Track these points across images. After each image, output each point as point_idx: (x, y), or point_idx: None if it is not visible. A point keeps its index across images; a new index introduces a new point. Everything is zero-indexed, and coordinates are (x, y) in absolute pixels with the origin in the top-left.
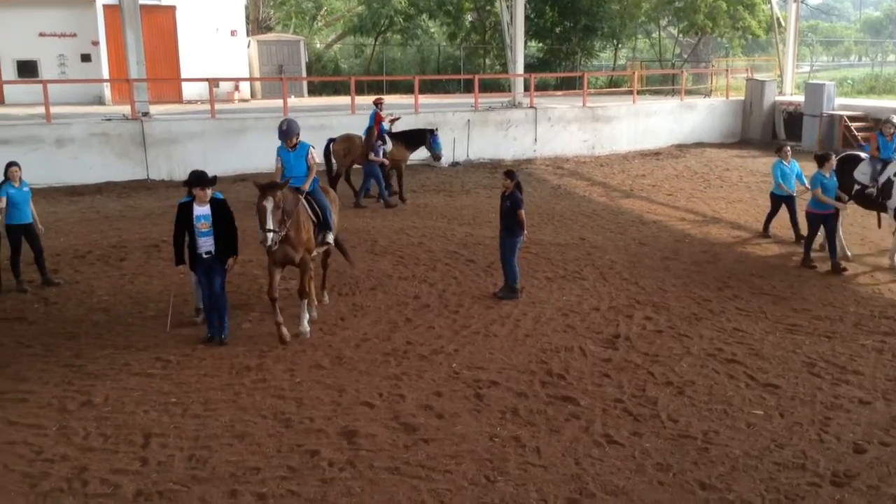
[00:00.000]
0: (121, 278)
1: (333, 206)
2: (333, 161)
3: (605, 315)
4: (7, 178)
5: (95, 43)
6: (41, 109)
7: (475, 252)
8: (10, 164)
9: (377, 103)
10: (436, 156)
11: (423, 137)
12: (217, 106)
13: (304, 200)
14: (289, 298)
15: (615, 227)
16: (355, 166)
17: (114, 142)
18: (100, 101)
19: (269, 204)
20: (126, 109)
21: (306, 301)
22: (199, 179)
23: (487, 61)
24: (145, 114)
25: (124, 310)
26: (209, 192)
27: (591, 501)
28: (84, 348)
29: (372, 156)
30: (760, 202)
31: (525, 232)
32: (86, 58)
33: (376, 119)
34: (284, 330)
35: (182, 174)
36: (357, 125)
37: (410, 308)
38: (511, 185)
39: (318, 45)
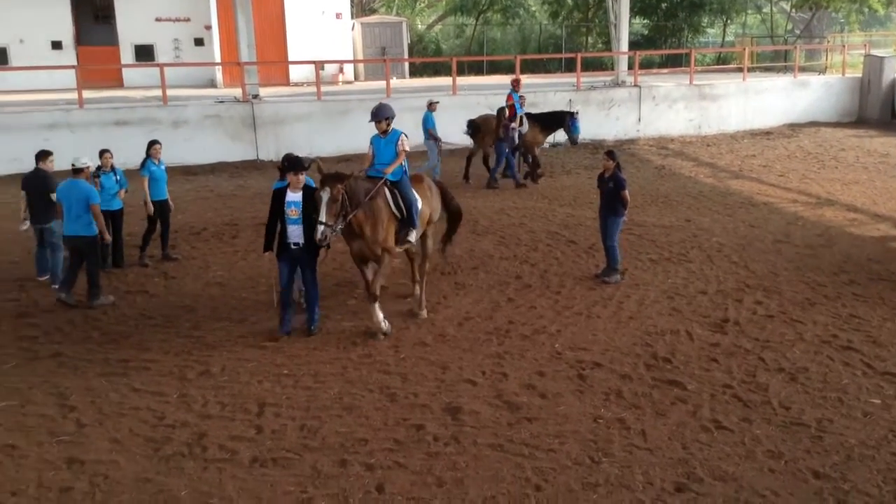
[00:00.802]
0: (234, 254)
1: (427, 198)
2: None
3: (712, 299)
4: (149, 156)
5: (208, 27)
6: (158, 92)
7: (576, 233)
8: (154, 142)
9: (514, 84)
10: (573, 139)
11: (561, 120)
12: (322, 88)
13: (388, 194)
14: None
15: (723, 209)
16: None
17: (226, 123)
18: (212, 83)
19: (325, 195)
20: (237, 92)
21: (375, 305)
22: (292, 164)
23: (590, 40)
24: (255, 96)
25: (238, 285)
26: (302, 177)
27: (699, 486)
28: (201, 320)
29: (503, 133)
30: (878, 184)
31: (626, 212)
32: (199, 42)
33: (508, 100)
34: (384, 325)
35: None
36: (458, 105)
37: (512, 288)
38: (612, 165)
39: (419, 27)
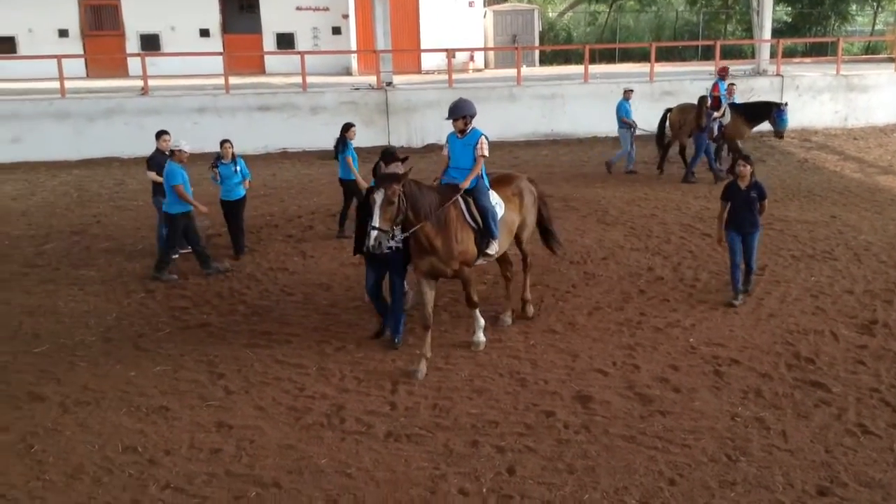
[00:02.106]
0: None
1: (515, 204)
2: (668, 132)
3: (859, 299)
4: (347, 137)
5: (345, 16)
6: (297, 79)
7: (711, 226)
8: (350, 125)
9: (721, 73)
10: (779, 133)
11: (767, 111)
12: (453, 76)
13: (462, 201)
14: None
15: (871, 206)
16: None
17: (361, 110)
18: (347, 71)
19: (378, 196)
20: (371, 79)
21: (476, 310)
22: (384, 156)
23: (729, 27)
24: (389, 83)
25: None
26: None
27: (843, 491)
28: (338, 298)
29: (704, 122)
30: None
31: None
32: (336, 30)
33: (714, 90)
34: (424, 366)
35: (419, 141)
36: (590, 94)
37: (643, 280)
38: (750, 172)
39: (550, 15)
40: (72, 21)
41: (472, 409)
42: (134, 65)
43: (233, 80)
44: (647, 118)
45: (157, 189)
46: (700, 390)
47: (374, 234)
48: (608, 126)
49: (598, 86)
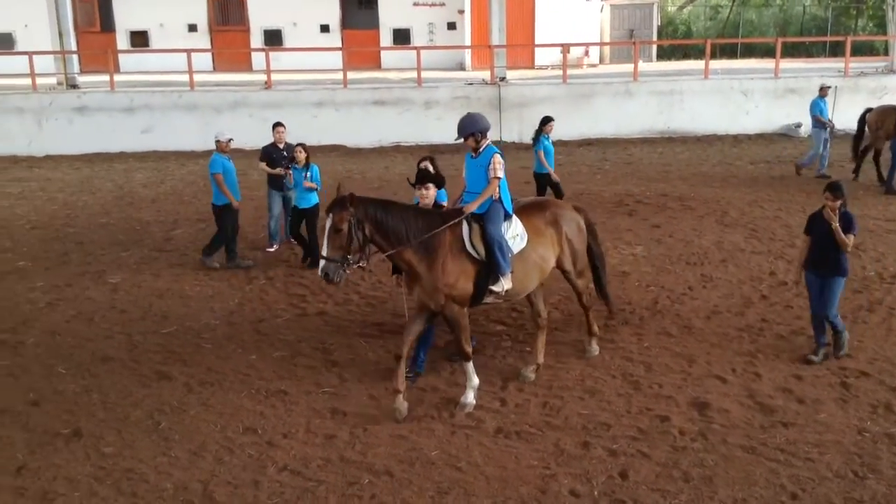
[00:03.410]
0: None
1: (542, 235)
2: (866, 132)
3: None
4: (543, 132)
5: (461, 12)
6: (412, 74)
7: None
8: (549, 119)
9: None
10: None
11: None
12: (568, 71)
13: (466, 226)
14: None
15: None
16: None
17: (473, 104)
18: (461, 66)
19: (327, 223)
20: (485, 74)
21: (469, 365)
22: (419, 177)
23: (860, 22)
24: (502, 79)
25: None
26: (432, 192)
27: None
28: None
29: None
30: None
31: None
32: (451, 26)
33: None
34: (400, 404)
35: (531, 137)
36: (710, 90)
37: (766, 284)
38: (838, 206)
39: (670, 8)
40: (200, 16)
41: (582, 409)
42: (258, 59)
43: (350, 75)
44: (768, 116)
45: (272, 180)
46: (826, 402)
47: (321, 263)
48: (728, 123)
49: (719, 82)
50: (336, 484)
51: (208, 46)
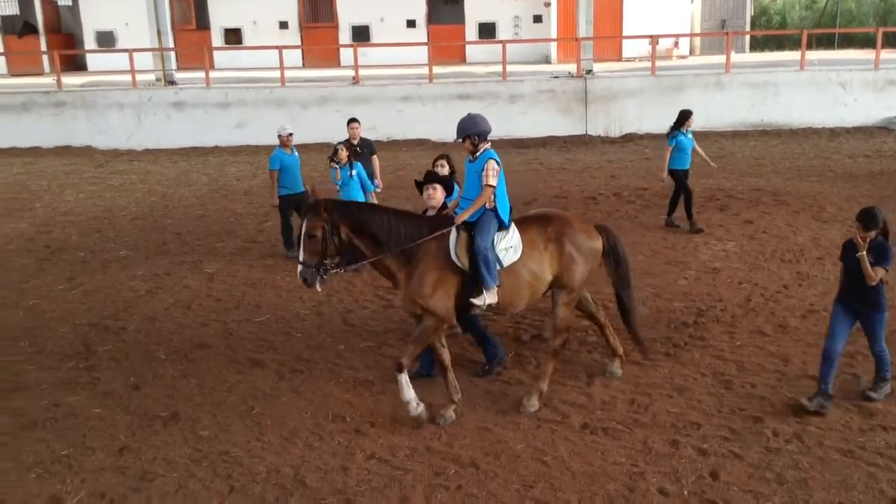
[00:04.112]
0: None
1: (540, 250)
2: None
3: None
4: (679, 127)
5: (547, 4)
6: (497, 67)
7: None
8: (688, 113)
9: None
10: None
11: None
12: (656, 63)
13: (454, 238)
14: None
15: None
16: None
17: (559, 98)
18: (546, 59)
19: (302, 229)
20: (571, 67)
21: (401, 375)
22: (426, 177)
23: None
24: (589, 71)
25: None
26: (439, 194)
27: None
28: None
29: None
30: None
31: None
32: (537, 19)
33: None
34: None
35: (618, 131)
36: (806, 82)
37: None
38: (872, 235)
39: None
40: (291, 14)
41: (671, 407)
42: (345, 55)
43: (436, 70)
44: (867, 109)
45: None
46: None
47: (299, 268)
48: (825, 116)
49: (816, 73)
50: (423, 473)
51: (298, 43)
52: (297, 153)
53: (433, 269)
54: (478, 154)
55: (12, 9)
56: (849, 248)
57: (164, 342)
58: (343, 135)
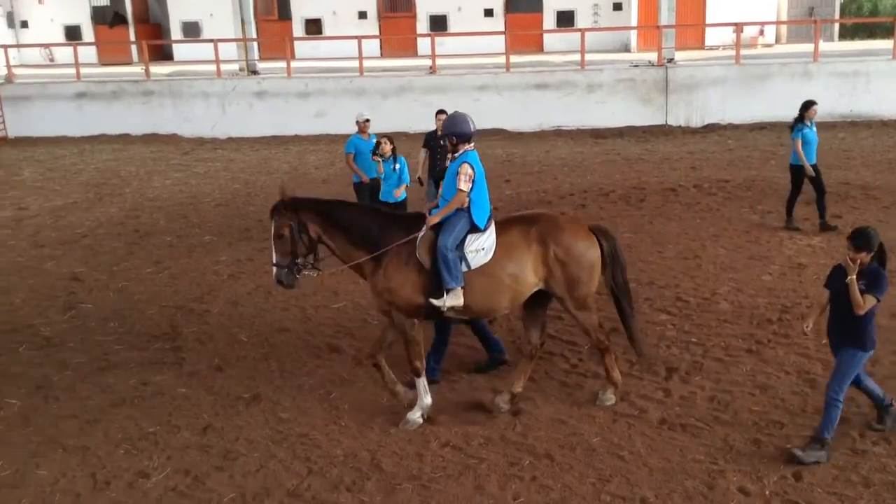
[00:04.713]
0: (640, 217)
1: (521, 251)
2: None
3: None
4: (803, 118)
5: None
6: (574, 56)
7: None
8: (811, 103)
9: None
10: None
11: None
12: (741, 52)
13: (423, 236)
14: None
15: None
16: None
17: (638, 87)
18: (625, 48)
19: (272, 228)
20: (650, 56)
21: (420, 380)
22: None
23: None
24: (670, 60)
25: (645, 248)
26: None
27: None
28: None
29: None
30: None
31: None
32: (617, 6)
33: None
34: (399, 388)
35: (699, 121)
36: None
37: None
38: (864, 258)
39: None
40: (370, 4)
41: (753, 405)
42: (423, 44)
43: (513, 59)
44: None
45: (432, 167)
46: None
47: (273, 270)
48: None
49: None
50: (497, 463)
51: (377, 33)
52: (375, 139)
53: (400, 267)
54: (457, 155)
55: (103, 0)
56: (837, 273)
57: (245, 325)
58: (420, 124)
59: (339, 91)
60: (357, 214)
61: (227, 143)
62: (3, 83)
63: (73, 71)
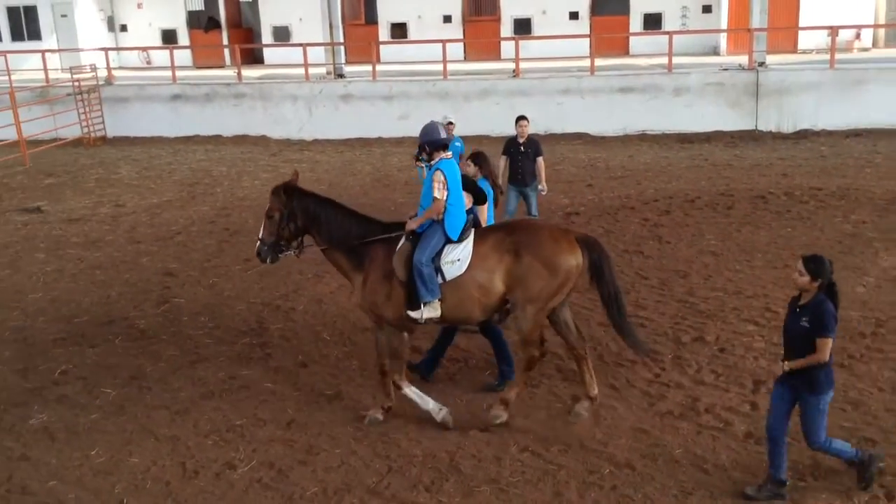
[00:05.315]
0: (728, 225)
1: (499, 261)
2: None
3: None
4: None
5: None
6: (661, 59)
7: None
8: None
9: None
10: None
11: None
12: (836, 56)
13: (399, 248)
14: None
15: None
16: None
17: (727, 91)
18: (714, 51)
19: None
20: (741, 59)
21: (390, 382)
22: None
23: None
24: (761, 63)
25: (731, 256)
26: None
27: None
28: (695, 287)
29: None
30: None
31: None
32: (706, 9)
33: None
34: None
35: (791, 126)
36: None
37: None
38: (809, 283)
39: None
40: (455, 7)
41: (844, 422)
42: (506, 48)
43: (597, 62)
44: None
45: (510, 173)
46: None
47: (257, 244)
48: None
49: None
50: (576, 470)
51: (461, 36)
52: (459, 141)
53: (381, 276)
54: (432, 163)
55: (198, 4)
56: (792, 304)
57: (329, 324)
58: (503, 127)
59: (423, 94)
60: (346, 217)
61: (313, 145)
62: (103, 85)
63: (169, 73)
